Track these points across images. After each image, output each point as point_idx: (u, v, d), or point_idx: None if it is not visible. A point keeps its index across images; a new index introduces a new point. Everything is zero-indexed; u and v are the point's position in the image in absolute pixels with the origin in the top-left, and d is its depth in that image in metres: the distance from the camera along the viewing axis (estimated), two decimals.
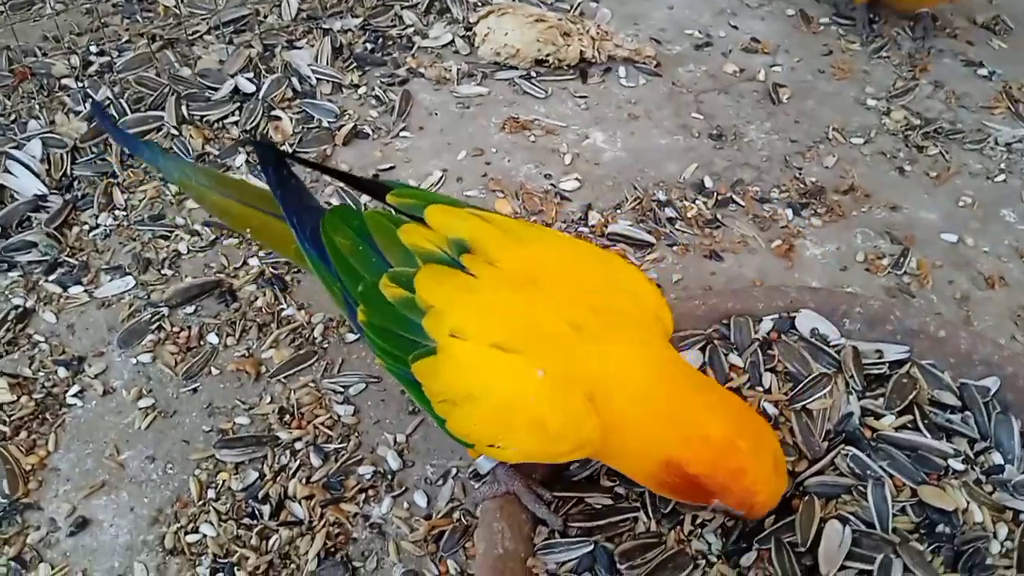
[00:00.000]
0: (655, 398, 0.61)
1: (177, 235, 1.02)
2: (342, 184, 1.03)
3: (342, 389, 0.89)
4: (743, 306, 0.82)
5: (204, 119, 1.14)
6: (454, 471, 0.82)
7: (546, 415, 0.60)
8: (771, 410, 0.75)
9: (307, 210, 0.73)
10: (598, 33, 1.24)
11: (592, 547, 0.68)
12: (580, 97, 1.22)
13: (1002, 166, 1.14)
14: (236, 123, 1.14)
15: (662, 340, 0.66)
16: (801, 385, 0.77)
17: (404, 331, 0.64)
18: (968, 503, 0.69)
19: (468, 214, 0.69)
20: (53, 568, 0.77)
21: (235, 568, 0.76)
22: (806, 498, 0.70)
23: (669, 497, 0.66)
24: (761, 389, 0.77)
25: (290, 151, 1.00)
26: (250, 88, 1.17)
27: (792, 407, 0.76)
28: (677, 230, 1.04)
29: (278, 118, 1.13)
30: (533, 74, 1.24)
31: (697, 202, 1.07)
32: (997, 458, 0.73)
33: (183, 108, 1.13)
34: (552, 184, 1.09)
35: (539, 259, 0.66)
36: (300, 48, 1.23)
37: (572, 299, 0.63)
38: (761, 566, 0.67)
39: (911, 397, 0.75)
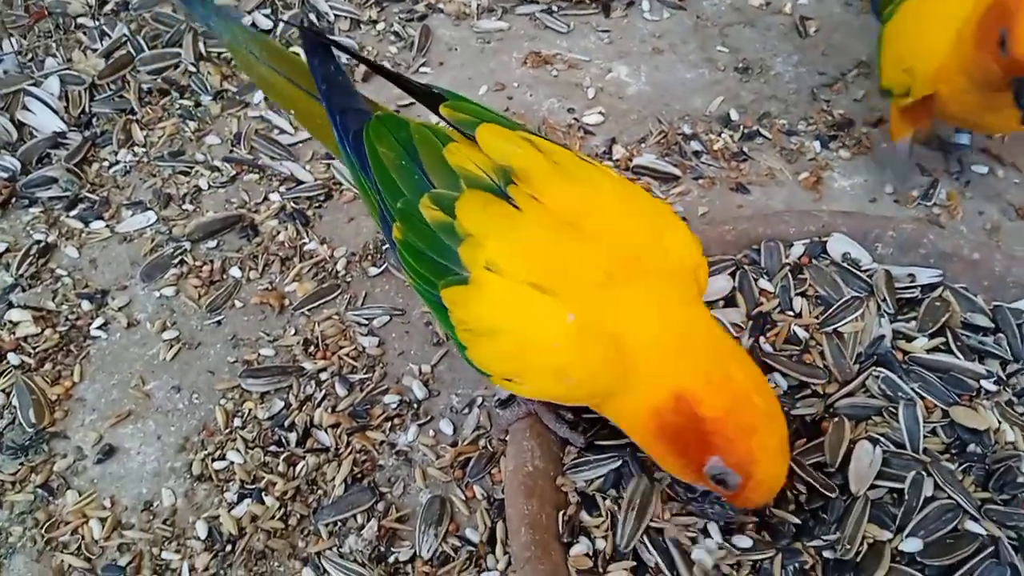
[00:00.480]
0: (673, 339, 0.58)
1: (197, 171, 1.01)
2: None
3: (366, 321, 0.88)
4: (774, 231, 0.81)
5: (221, 56, 1.12)
6: (480, 400, 0.82)
7: (569, 363, 0.59)
8: (802, 334, 0.74)
9: (353, 111, 0.70)
10: None
11: (620, 463, 0.67)
12: (603, 31, 1.19)
13: None
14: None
15: (693, 295, 0.63)
16: (832, 309, 0.76)
17: (439, 256, 0.63)
18: (1000, 423, 0.69)
19: (521, 139, 0.66)
20: (81, 495, 0.77)
21: (262, 493, 0.77)
22: (836, 420, 0.70)
23: (666, 464, 0.62)
24: (791, 313, 0.76)
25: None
26: (267, 24, 1.15)
27: (823, 330, 0.75)
28: (703, 163, 1.03)
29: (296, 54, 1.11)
30: (555, 8, 1.21)
31: (723, 135, 1.05)
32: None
33: (200, 45, 1.12)
34: (575, 118, 1.08)
35: (585, 200, 0.63)
36: None
37: (610, 246, 0.61)
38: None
39: (944, 320, 0.74)
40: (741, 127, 1.06)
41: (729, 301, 0.77)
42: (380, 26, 1.18)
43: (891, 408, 0.70)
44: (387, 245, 0.91)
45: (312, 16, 1.17)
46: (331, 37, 0.73)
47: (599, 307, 0.58)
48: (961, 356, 0.72)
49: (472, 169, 0.63)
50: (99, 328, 0.89)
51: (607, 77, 1.13)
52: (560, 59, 1.15)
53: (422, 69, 1.13)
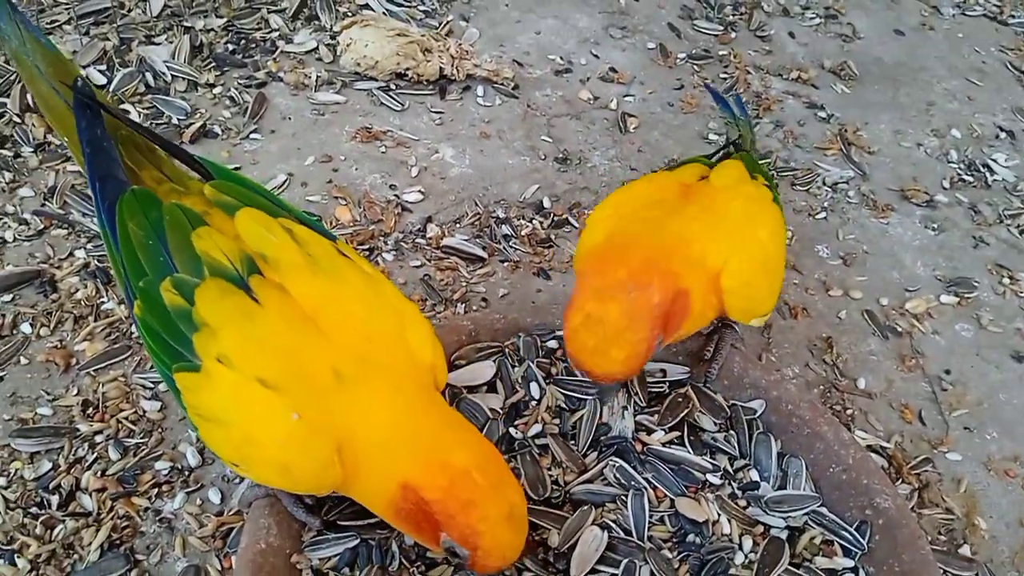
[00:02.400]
0: (399, 432, 0.62)
1: (5, 223, 1.01)
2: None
3: (152, 384, 0.89)
4: (542, 320, 0.85)
5: None
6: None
7: (292, 460, 0.62)
8: (537, 428, 0.79)
9: (113, 179, 0.69)
10: (458, 51, 1.27)
11: (357, 541, 0.70)
12: (436, 112, 1.25)
13: (825, 204, 1.21)
14: None
15: (426, 389, 0.67)
16: (574, 404, 0.81)
17: (175, 341, 0.64)
18: (719, 515, 0.74)
19: (280, 228, 0.68)
20: None
21: (15, 555, 0.76)
22: (584, 507, 0.74)
23: (412, 535, 0.66)
24: (534, 403, 0.80)
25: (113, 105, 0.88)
26: (102, 80, 1.17)
27: (559, 421, 0.80)
28: (511, 247, 1.08)
29: (125, 111, 1.13)
30: (392, 87, 1.26)
31: (534, 221, 1.11)
32: (754, 475, 0.78)
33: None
34: (396, 195, 1.12)
35: (330, 296, 0.66)
36: (159, 44, 1.23)
37: (344, 344, 0.64)
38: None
39: (683, 415, 0.80)
40: (552, 215, 1.12)
41: (491, 387, 0.81)
42: (217, 90, 1.21)
43: (623, 496, 0.75)
44: None
45: (148, 75, 1.19)
46: (99, 101, 0.70)
47: (326, 406, 0.62)
48: (692, 450, 0.78)
49: (218, 256, 0.65)
50: None
51: (433, 157, 1.18)
52: (390, 136, 1.20)
53: (252, 135, 1.16)
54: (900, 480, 0.91)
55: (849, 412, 0.96)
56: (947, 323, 1.09)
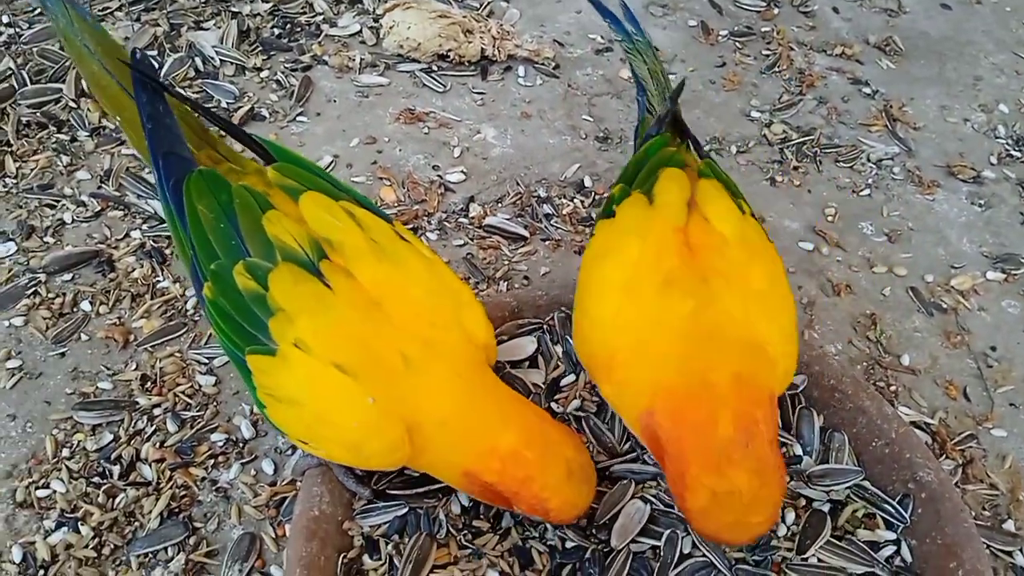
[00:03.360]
0: (458, 420, 0.66)
1: (64, 204, 1.05)
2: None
3: (206, 360, 0.92)
4: None
5: None
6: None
7: (364, 441, 0.65)
8: (575, 404, 0.80)
9: (176, 156, 0.70)
10: (499, 32, 1.28)
11: (406, 510, 0.72)
12: (478, 93, 1.26)
13: (870, 181, 1.20)
14: None
15: (480, 369, 0.70)
16: None
17: (249, 324, 0.66)
18: None
19: (343, 212, 0.70)
20: None
21: (79, 523, 0.80)
22: (623, 480, 0.75)
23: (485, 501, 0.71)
24: (573, 378, 0.82)
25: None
26: (154, 65, 1.20)
27: (599, 399, 0.81)
28: (552, 225, 1.09)
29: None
30: (435, 68, 1.28)
31: (575, 200, 1.12)
32: (797, 449, 0.78)
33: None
34: (439, 175, 1.14)
35: (393, 280, 0.68)
36: (207, 29, 1.26)
37: (409, 329, 0.67)
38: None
39: None
40: (593, 193, 1.13)
41: (533, 362, 0.83)
42: (264, 73, 1.23)
43: (663, 475, 0.76)
44: None
45: (198, 60, 1.22)
46: (161, 81, 0.72)
47: (396, 390, 0.65)
48: None
49: (288, 241, 0.67)
50: None
51: (475, 137, 1.19)
52: (433, 117, 1.21)
53: (299, 118, 1.19)
54: (944, 456, 0.90)
55: (893, 389, 0.96)
56: (993, 300, 1.08)
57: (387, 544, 0.71)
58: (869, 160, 1.23)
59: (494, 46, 1.27)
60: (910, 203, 1.19)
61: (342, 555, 0.70)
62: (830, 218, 1.14)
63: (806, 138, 1.24)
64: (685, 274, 0.68)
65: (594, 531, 0.73)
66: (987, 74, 1.43)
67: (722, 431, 0.60)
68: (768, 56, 1.38)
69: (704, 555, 0.71)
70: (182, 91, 1.17)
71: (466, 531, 0.72)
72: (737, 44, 1.40)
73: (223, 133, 0.80)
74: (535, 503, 0.65)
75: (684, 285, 0.67)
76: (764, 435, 0.61)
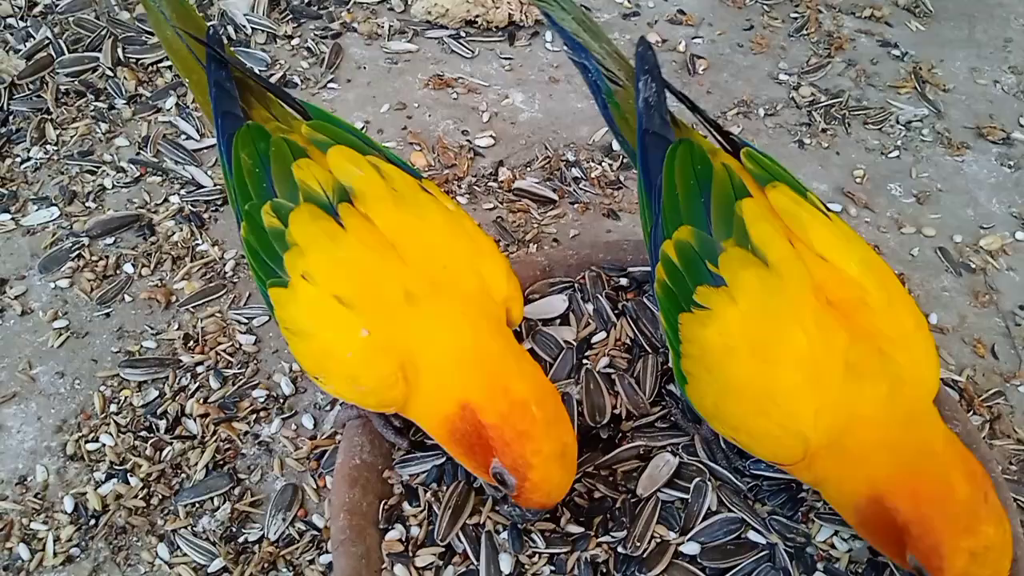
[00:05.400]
0: (464, 353, 0.65)
1: (104, 171, 1.08)
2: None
3: (246, 320, 0.95)
4: (613, 257, 0.88)
5: (139, 62, 1.19)
6: (340, 400, 0.89)
7: (359, 372, 0.67)
8: (604, 362, 0.81)
9: (232, 115, 0.77)
10: None
11: (443, 459, 0.75)
12: (505, 59, 1.27)
13: (899, 143, 1.20)
14: (170, 67, 1.19)
15: (494, 319, 0.70)
16: (642, 341, 0.83)
17: (270, 259, 0.70)
18: None
19: (368, 164, 0.74)
20: None
21: (128, 474, 0.83)
22: (650, 432, 0.77)
23: (462, 460, 0.69)
24: (604, 335, 0.83)
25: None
26: None
27: (630, 357, 0.82)
28: (581, 189, 1.10)
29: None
30: (462, 34, 1.29)
31: (603, 164, 1.13)
32: None
33: (119, 50, 1.18)
34: (468, 140, 1.15)
35: (411, 226, 0.71)
36: None
37: (419, 269, 0.68)
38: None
39: None
40: (621, 157, 1.14)
41: (564, 320, 0.85)
42: (295, 41, 1.25)
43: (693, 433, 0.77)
44: None
45: (230, 28, 1.23)
46: (221, 52, 0.78)
47: (394, 325, 0.66)
48: None
49: (312, 184, 0.71)
50: None
51: (503, 103, 1.21)
52: (461, 83, 1.22)
53: (330, 85, 1.20)
54: (971, 412, 0.91)
55: None
56: (1022, 260, 1.08)
57: (426, 492, 0.73)
58: (898, 122, 1.23)
59: (521, 11, 1.28)
60: (939, 165, 1.19)
61: (383, 502, 0.73)
62: (859, 180, 1.15)
63: (835, 100, 1.24)
64: (862, 353, 0.65)
65: (622, 482, 0.75)
66: (1017, 36, 1.42)
67: (960, 493, 0.60)
68: (796, 19, 1.38)
69: (730, 511, 0.73)
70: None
71: None
72: (765, 7, 1.40)
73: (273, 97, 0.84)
74: (520, 463, 0.62)
75: (868, 367, 0.65)
76: (991, 483, 0.62)
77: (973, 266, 1.06)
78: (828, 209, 0.74)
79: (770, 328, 0.66)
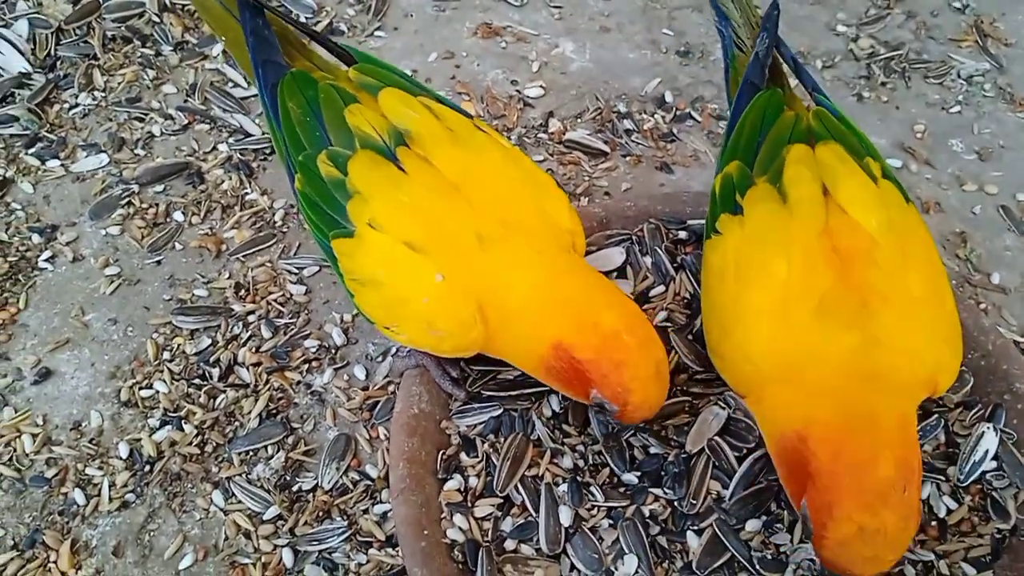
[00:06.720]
0: (548, 292, 0.65)
1: (152, 118, 1.07)
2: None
3: (296, 270, 0.94)
4: (672, 209, 0.86)
5: (185, 8, 1.17)
6: (394, 349, 0.88)
7: (436, 317, 0.66)
8: (662, 316, 0.80)
9: (274, 64, 0.75)
10: None
11: (501, 411, 0.74)
12: (555, 7, 1.24)
13: (960, 98, 1.16)
14: None
15: (567, 251, 0.69)
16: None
17: (331, 209, 0.69)
18: None
19: (421, 105, 0.72)
20: (16, 411, 0.84)
21: (183, 421, 0.83)
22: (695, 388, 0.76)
23: (555, 387, 0.69)
24: (662, 289, 0.82)
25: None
26: None
27: (692, 314, 0.81)
28: (633, 141, 1.08)
29: None
30: None
31: (656, 116, 1.11)
32: None
33: None
34: (517, 90, 1.13)
35: (473, 165, 0.69)
36: None
37: (487, 210, 0.67)
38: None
39: None
40: (674, 109, 1.11)
41: (621, 272, 0.83)
42: None
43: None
44: None
45: None
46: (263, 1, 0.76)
47: (469, 268, 0.65)
48: None
49: (368, 130, 0.70)
50: (46, 260, 0.95)
51: (553, 52, 1.18)
52: (510, 32, 1.20)
53: (377, 33, 1.18)
54: None
55: (983, 306, 0.95)
56: None
57: (483, 443, 0.73)
58: (959, 76, 1.19)
59: None
60: (1001, 121, 1.15)
61: (441, 451, 0.72)
62: (919, 135, 1.11)
63: (894, 53, 1.20)
64: (842, 298, 0.63)
65: (673, 436, 0.74)
66: None
67: (883, 472, 0.58)
68: None
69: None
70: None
71: (558, 431, 0.74)
72: None
73: (315, 44, 0.82)
74: (619, 391, 0.63)
75: (843, 313, 0.63)
76: (918, 482, 0.60)
77: None
78: (887, 176, 0.71)
79: (758, 254, 0.67)
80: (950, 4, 1.30)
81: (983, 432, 0.72)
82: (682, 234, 0.86)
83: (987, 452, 0.72)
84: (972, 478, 0.71)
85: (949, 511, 0.71)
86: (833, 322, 0.63)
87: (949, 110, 1.15)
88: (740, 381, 0.67)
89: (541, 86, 1.13)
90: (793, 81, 0.83)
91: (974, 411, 0.74)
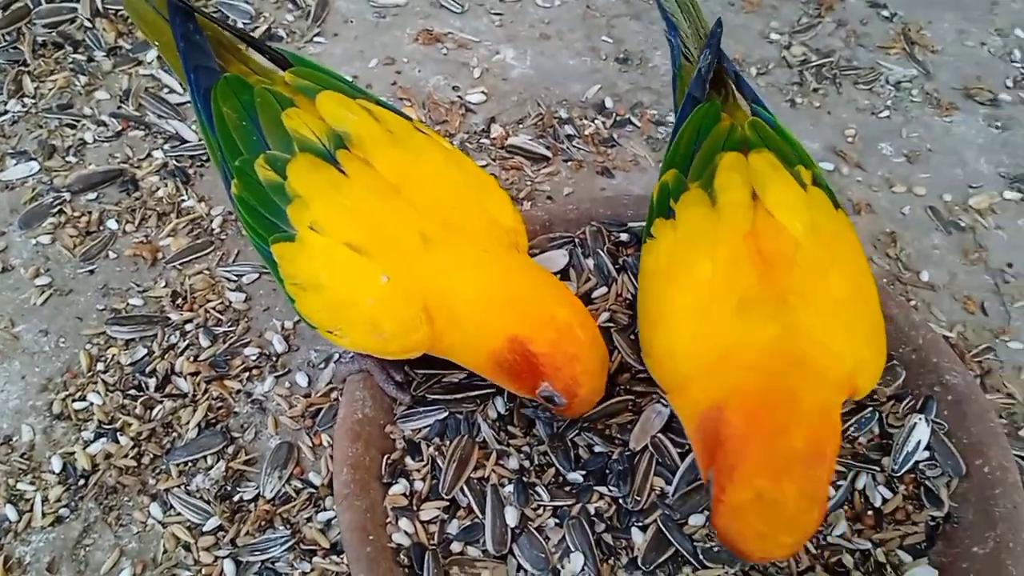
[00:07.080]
0: (499, 289, 0.66)
1: (84, 124, 1.04)
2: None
3: (235, 277, 0.93)
4: (613, 212, 0.87)
5: (119, 13, 1.15)
6: (336, 355, 0.87)
7: (381, 319, 0.66)
8: (605, 316, 0.81)
9: (205, 69, 0.74)
10: None
11: (446, 414, 0.74)
12: (496, 14, 1.24)
13: (888, 103, 1.20)
14: None
15: (512, 250, 0.70)
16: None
17: (270, 214, 0.68)
18: None
19: (360, 108, 0.72)
20: None
21: (118, 433, 0.81)
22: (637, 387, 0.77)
23: (504, 384, 0.69)
24: (605, 291, 0.83)
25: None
26: None
27: (633, 314, 0.81)
28: (574, 147, 1.09)
29: None
30: None
31: (596, 121, 1.12)
32: None
33: (98, 1, 1.14)
34: (459, 96, 1.13)
35: (412, 167, 0.69)
36: None
37: (429, 211, 0.67)
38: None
39: None
40: (614, 114, 1.13)
41: (564, 274, 0.84)
42: None
43: None
44: None
45: None
46: (188, 3, 0.75)
47: (413, 268, 0.65)
48: None
49: (306, 133, 0.69)
50: None
51: (494, 59, 1.18)
52: (451, 38, 1.20)
53: (316, 39, 1.17)
54: None
55: (913, 303, 0.98)
56: (1010, 218, 1.09)
57: (428, 446, 0.72)
58: (888, 82, 1.23)
59: None
60: (928, 125, 1.19)
61: (385, 456, 0.72)
62: (850, 139, 1.15)
63: (825, 60, 1.23)
64: (762, 294, 0.64)
65: (617, 435, 0.74)
66: None
67: (794, 442, 0.57)
68: None
69: None
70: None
71: (504, 432, 0.74)
72: None
73: (250, 49, 0.81)
74: (570, 384, 0.64)
75: (763, 308, 0.63)
76: (829, 469, 0.58)
77: (962, 224, 1.07)
78: (818, 183, 0.73)
79: (685, 255, 0.68)
80: (879, 13, 1.34)
81: (915, 423, 0.74)
82: (623, 236, 0.87)
83: (919, 443, 0.74)
84: (906, 468, 0.73)
85: (884, 500, 0.73)
86: (753, 317, 0.63)
87: (879, 115, 1.18)
88: (664, 378, 0.68)
89: (483, 92, 1.13)
90: None
91: (906, 403, 0.76)
